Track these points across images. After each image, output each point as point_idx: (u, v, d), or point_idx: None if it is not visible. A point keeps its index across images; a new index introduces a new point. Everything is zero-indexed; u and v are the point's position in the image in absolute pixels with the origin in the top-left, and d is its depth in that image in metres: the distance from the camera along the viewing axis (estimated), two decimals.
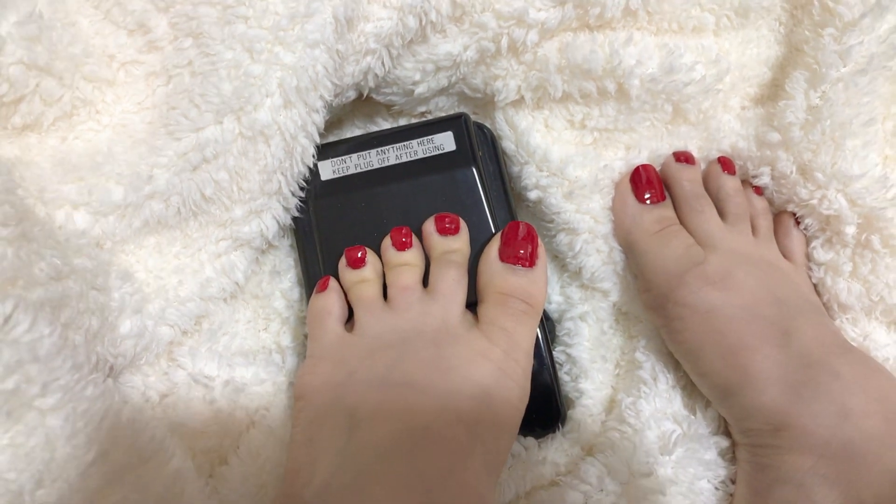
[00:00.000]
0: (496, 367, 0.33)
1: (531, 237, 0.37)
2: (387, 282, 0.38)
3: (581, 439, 0.38)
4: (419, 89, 0.44)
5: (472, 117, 0.43)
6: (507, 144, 0.43)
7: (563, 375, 0.41)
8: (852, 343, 0.38)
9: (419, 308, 0.36)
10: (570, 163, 0.41)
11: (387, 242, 0.38)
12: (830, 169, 0.39)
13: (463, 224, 0.38)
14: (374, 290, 0.37)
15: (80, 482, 0.24)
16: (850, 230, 0.40)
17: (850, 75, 0.39)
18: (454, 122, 0.40)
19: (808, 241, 0.42)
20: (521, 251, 0.36)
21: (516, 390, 0.34)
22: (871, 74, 0.39)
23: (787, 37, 0.43)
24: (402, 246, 0.38)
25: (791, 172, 0.41)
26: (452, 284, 0.36)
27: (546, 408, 0.38)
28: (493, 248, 0.37)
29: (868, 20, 0.38)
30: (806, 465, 0.33)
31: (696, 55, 0.40)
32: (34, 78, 0.35)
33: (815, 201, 0.40)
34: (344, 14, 0.37)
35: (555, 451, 0.38)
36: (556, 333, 0.42)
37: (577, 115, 0.42)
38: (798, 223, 0.42)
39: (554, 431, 0.39)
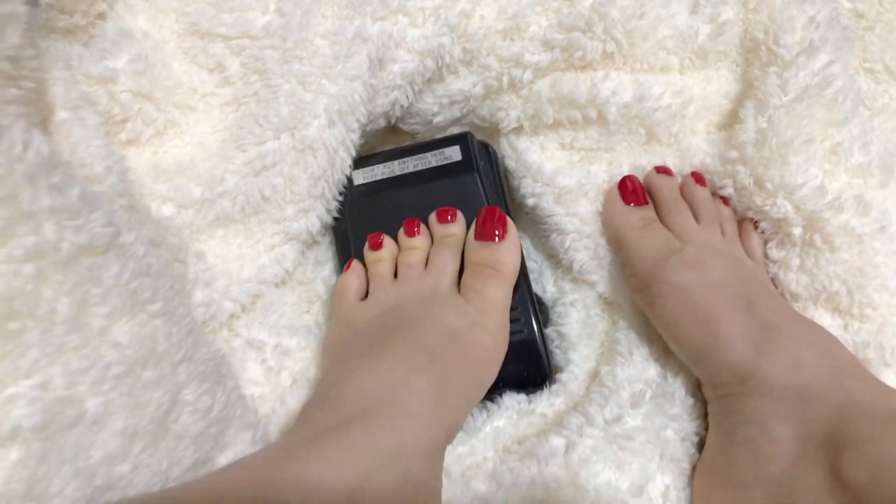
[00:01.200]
0: (469, 319, 0.42)
1: (500, 219, 0.46)
2: (397, 262, 0.47)
3: (567, 398, 0.46)
4: (437, 119, 0.53)
5: None
6: (510, 163, 0.52)
7: (555, 349, 0.49)
8: None
9: (418, 280, 0.45)
10: (559, 174, 0.49)
11: (401, 231, 0.48)
12: (778, 180, 0.47)
13: (460, 215, 0.47)
14: (386, 267, 0.47)
15: (171, 375, 0.32)
16: (797, 231, 0.47)
17: (789, 103, 0.47)
18: (461, 138, 0.49)
19: (765, 242, 0.50)
20: (494, 230, 0.45)
21: (486, 336, 0.42)
22: (807, 102, 0.47)
23: (742, 75, 0.51)
24: (411, 233, 0.47)
25: (749, 184, 0.49)
26: (444, 260, 0.45)
27: (536, 369, 0.46)
28: (472, 231, 0.46)
29: (803, 58, 0.47)
30: (766, 406, 0.39)
31: (664, 87, 0.49)
32: (138, 103, 0.45)
33: (767, 207, 0.48)
34: (377, 56, 0.47)
35: (544, 405, 0.45)
36: (550, 316, 0.50)
37: (567, 137, 0.51)
38: (756, 227, 0.50)
39: (542, 388, 0.46)
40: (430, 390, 0.37)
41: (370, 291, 0.46)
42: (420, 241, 0.47)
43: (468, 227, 0.47)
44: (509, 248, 0.45)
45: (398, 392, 0.36)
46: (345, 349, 0.42)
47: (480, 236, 0.46)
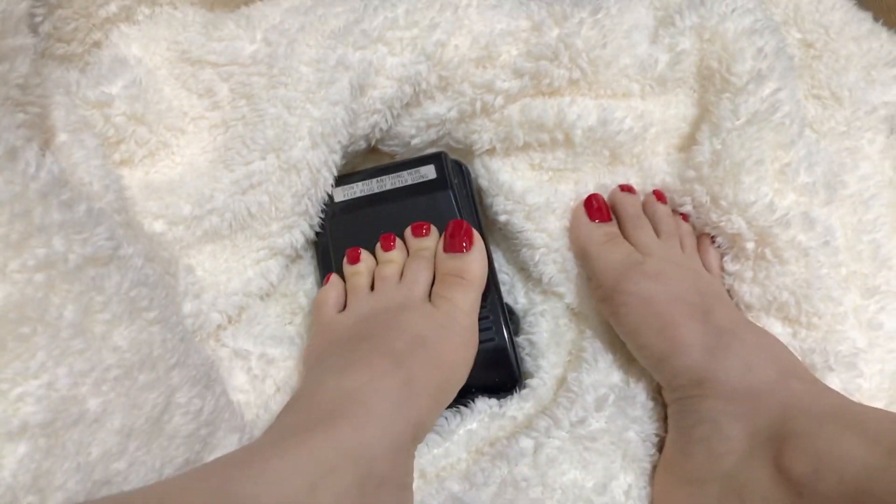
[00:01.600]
0: (436, 323, 0.45)
1: (466, 232, 0.49)
2: (374, 275, 0.50)
3: (536, 402, 0.49)
4: (415, 142, 0.56)
5: None
6: (483, 182, 0.55)
7: (525, 356, 0.52)
8: None
9: (392, 291, 0.48)
10: (529, 192, 0.53)
11: (378, 245, 0.51)
12: (732, 198, 0.50)
13: (434, 230, 0.51)
14: (364, 280, 0.49)
15: (166, 378, 0.35)
16: (750, 245, 0.50)
17: (741, 126, 0.50)
18: (435, 157, 0.53)
19: (721, 256, 0.53)
20: (461, 242, 0.49)
21: (453, 338, 0.45)
22: (757, 126, 0.50)
23: (699, 101, 0.55)
24: (388, 248, 0.50)
25: (705, 202, 0.52)
26: (417, 272, 0.48)
27: (506, 375, 0.49)
28: (441, 244, 0.50)
29: (752, 86, 0.50)
30: (719, 406, 0.42)
31: (626, 112, 0.53)
32: (132, 126, 0.48)
33: (723, 223, 0.51)
34: (358, 82, 0.51)
35: (514, 409, 0.48)
36: (521, 325, 0.53)
37: (536, 158, 0.54)
38: (713, 241, 0.53)
39: (512, 393, 0.49)
40: (394, 391, 0.39)
41: (348, 303, 0.49)
42: (395, 254, 0.50)
43: None
44: (475, 259, 0.48)
45: (362, 395, 0.39)
46: (321, 358, 0.45)
47: (448, 248, 0.49)
